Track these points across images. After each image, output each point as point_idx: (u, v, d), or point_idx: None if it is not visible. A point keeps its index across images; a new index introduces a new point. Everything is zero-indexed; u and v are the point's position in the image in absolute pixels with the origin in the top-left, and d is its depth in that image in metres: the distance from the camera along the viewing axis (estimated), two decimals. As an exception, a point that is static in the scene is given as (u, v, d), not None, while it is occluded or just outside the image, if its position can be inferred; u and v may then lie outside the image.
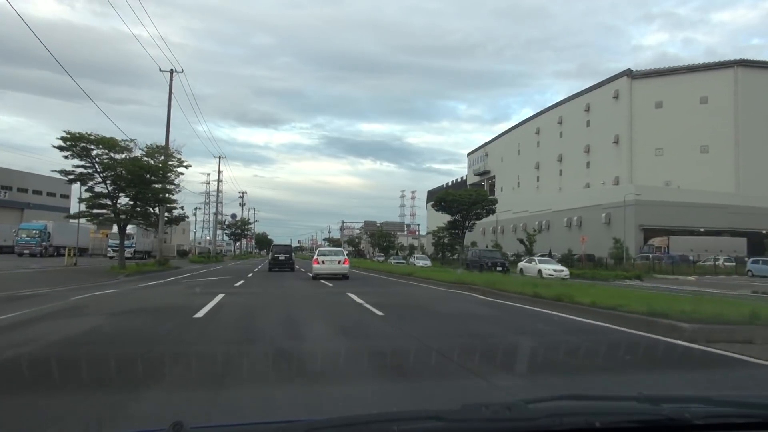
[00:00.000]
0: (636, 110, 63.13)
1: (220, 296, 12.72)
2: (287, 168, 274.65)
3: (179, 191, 32.36)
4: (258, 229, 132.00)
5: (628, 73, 64.49)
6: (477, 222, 52.68)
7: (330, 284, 18.72)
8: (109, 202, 26.86)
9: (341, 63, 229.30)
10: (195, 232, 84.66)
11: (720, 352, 6.23)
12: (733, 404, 1.92)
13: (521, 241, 48.32)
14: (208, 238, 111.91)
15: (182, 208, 36.31)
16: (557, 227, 61.11)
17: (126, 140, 26.38)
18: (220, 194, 63.61)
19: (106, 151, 25.34)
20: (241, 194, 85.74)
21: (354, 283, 19.78)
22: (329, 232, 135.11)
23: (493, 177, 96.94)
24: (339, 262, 22.75)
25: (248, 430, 1.76)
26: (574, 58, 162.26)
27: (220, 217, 67.58)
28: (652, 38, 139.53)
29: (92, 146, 24.91)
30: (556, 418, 1.64)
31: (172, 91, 32.10)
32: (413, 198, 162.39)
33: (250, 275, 25.12)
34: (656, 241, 54.10)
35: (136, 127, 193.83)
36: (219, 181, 58.73)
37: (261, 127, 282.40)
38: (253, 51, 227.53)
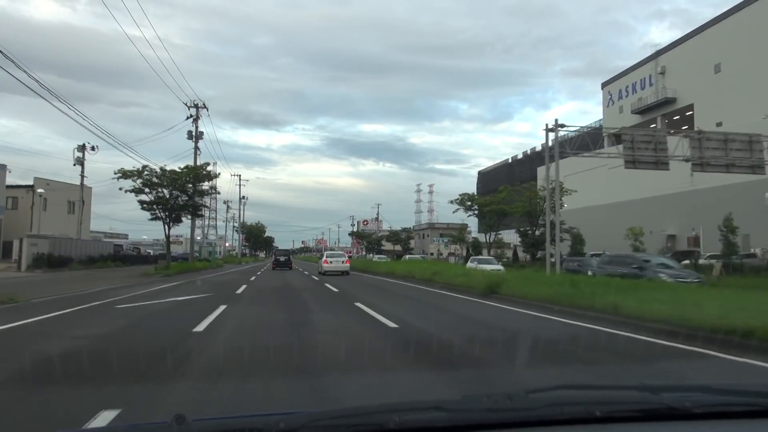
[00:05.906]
0: None
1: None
2: (289, 169, 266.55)
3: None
4: (250, 220, 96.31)
5: None
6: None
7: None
8: None
9: (342, 63, 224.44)
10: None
11: None
12: (733, 393, 1.87)
13: None
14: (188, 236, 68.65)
15: None
16: None
17: None
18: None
19: None
20: (194, 116, 37.35)
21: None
22: (352, 224, 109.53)
23: (689, 107, 49.84)
24: (342, 261, 30.50)
25: (249, 422, 1.61)
26: (582, 56, 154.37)
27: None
28: (663, 36, 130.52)
29: None
30: (556, 407, 1.63)
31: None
32: (431, 192, 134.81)
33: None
34: None
35: (137, 130, 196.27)
36: None
37: (262, 128, 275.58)
38: (253, 52, 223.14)
